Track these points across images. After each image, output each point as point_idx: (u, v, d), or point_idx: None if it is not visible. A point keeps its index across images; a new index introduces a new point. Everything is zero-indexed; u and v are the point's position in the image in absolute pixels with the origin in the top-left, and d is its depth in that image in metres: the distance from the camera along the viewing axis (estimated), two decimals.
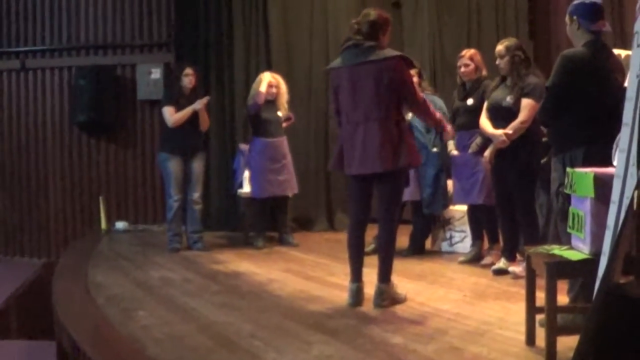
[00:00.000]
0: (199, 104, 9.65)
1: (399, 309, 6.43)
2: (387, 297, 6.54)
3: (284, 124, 10.18)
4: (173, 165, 9.71)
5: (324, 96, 11.85)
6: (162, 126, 10.09)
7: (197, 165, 9.88)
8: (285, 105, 10.18)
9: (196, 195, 9.88)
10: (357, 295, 6.61)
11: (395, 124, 6.49)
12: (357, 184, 6.77)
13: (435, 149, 8.96)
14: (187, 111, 9.63)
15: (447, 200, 9.18)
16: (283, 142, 10.14)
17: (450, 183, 9.03)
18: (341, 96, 6.67)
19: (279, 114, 10.03)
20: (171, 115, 9.64)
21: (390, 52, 6.65)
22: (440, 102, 9.15)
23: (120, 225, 12.14)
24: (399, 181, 6.68)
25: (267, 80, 9.96)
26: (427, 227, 9.38)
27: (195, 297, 7.08)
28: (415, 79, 8.76)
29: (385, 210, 6.68)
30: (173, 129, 9.68)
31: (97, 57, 12.86)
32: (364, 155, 6.48)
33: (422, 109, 6.82)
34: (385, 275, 6.64)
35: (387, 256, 6.73)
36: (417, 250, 9.22)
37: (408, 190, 8.91)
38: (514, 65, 7.59)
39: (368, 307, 6.50)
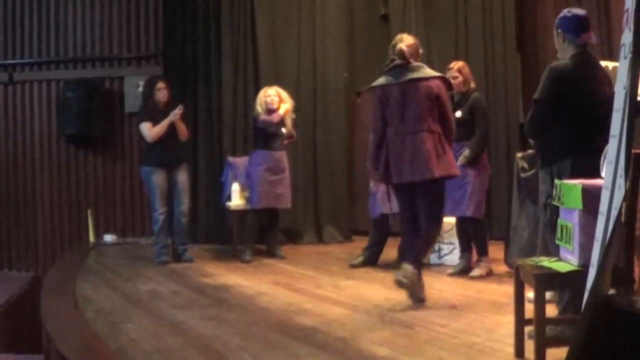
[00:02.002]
0: (174, 116, 9.67)
1: (387, 321, 6.43)
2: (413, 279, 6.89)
3: (285, 142, 10.18)
4: (156, 178, 9.71)
5: (312, 109, 11.87)
6: (143, 140, 10.06)
7: (182, 177, 9.90)
8: (292, 115, 10.22)
9: (184, 207, 9.90)
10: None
11: (438, 137, 7.09)
12: (405, 192, 7.26)
13: None
14: (163, 124, 9.65)
15: None
16: (283, 155, 10.15)
17: None
18: (388, 111, 7.13)
19: (283, 130, 10.01)
20: (149, 130, 9.67)
21: (433, 72, 7.29)
22: None
23: (108, 238, 12.12)
24: (441, 189, 7.25)
25: (286, 109, 10.02)
26: None
27: (184, 310, 7.07)
28: None
29: (430, 217, 7.13)
30: (155, 143, 9.69)
31: (85, 70, 12.85)
32: (414, 164, 6.98)
33: (450, 128, 7.24)
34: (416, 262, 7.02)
35: (425, 248, 7.37)
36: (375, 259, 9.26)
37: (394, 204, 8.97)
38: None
39: (357, 320, 6.50)
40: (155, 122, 9.68)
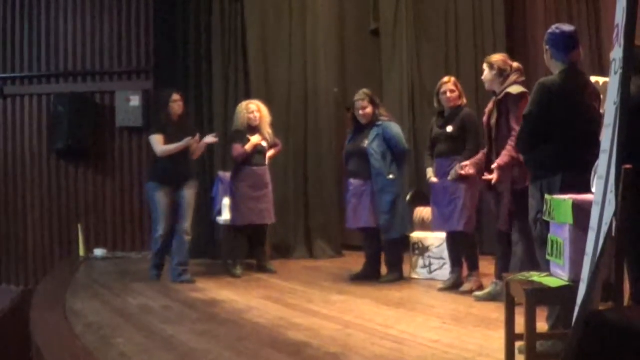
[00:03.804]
0: (192, 141, 9.44)
1: (378, 336, 6.41)
2: None
3: (272, 152, 10.18)
4: (162, 196, 9.48)
5: (303, 124, 11.90)
6: (151, 154, 9.78)
7: (189, 195, 9.61)
8: (269, 130, 10.18)
9: (186, 225, 9.58)
10: None
11: None
12: None
13: (391, 176, 9.03)
14: (177, 147, 9.35)
15: (408, 225, 9.27)
16: (266, 171, 10.12)
17: (422, 210, 9.13)
18: None
19: (264, 144, 9.99)
20: (160, 144, 9.43)
21: None
22: (397, 128, 9.27)
23: (98, 252, 12.10)
24: None
25: (255, 142, 9.93)
26: (398, 251, 9.36)
27: (175, 324, 7.05)
28: (369, 110, 8.95)
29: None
30: (164, 159, 9.43)
31: (76, 84, 12.86)
32: None
33: None
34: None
35: None
36: (373, 274, 9.32)
37: (364, 217, 9.03)
38: None
39: (348, 335, 6.49)
40: (167, 135, 9.43)
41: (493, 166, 7.31)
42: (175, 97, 9.64)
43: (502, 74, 7.50)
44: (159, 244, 9.56)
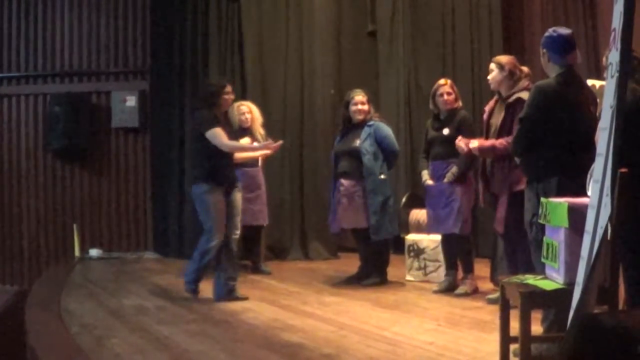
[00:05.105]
0: (274, 147, 8.73)
1: (372, 338, 6.41)
2: None
3: (269, 150, 10.14)
4: (219, 199, 8.27)
5: (299, 125, 11.88)
6: (202, 153, 8.37)
7: (239, 197, 8.55)
8: (262, 131, 10.15)
9: (238, 232, 8.53)
10: None
11: None
12: None
13: (382, 176, 9.02)
14: (254, 148, 8.83)
15: (396, 227, 9.30)
16: (259, 172, 10.11)
17: (418, 212, 9.16)
18: None
19: (256, 144, 9.95)
20: (226, 138, 8.24)
21: None
22: (388, 128, 9.26)
23: (94, 252, 12.08)
24: None
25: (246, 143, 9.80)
26: (383, 253, 9.35)
27: (169, 325, 7.04)
28: (367, 107, 8.94)
29: None
30: (219, 157, 8.21)
31: (72, 84, 12.84)
32: None
33: None
34: None
35: None
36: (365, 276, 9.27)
37: (356, 218, 9.02)
38: None
39: (343, 336, 6.48)
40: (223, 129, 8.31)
41: (474, 145, 7.51)
42: (228, 88, 8.47)
43: (512, 77, 7.46)
44: (212, 254, 8.30)
